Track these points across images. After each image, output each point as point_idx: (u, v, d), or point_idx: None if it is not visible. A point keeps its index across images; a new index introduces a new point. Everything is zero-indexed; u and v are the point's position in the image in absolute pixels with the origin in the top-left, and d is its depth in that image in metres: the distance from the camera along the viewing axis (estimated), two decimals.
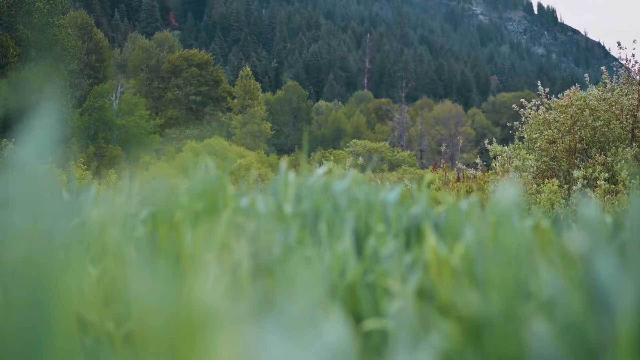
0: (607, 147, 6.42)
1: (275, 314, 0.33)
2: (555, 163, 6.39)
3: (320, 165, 1.42)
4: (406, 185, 1.29)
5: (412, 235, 1.03)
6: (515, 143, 7.00)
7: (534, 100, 7.07)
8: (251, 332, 0.27)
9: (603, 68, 6.99)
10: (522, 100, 7.22)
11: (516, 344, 0.45)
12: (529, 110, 6.95)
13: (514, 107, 7.17)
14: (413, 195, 1.30)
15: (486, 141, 6.91)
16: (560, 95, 6.93)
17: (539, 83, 7.21)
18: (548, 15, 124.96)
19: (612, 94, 6.57)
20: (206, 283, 0.27)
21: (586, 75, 7.24)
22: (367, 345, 0.68)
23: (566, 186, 5.51)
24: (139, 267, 0.30)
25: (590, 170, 5.47)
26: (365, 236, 1.00)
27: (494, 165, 6.41)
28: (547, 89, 7.03)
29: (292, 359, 0.27)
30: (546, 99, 7.02)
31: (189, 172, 1.18)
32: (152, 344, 0.27)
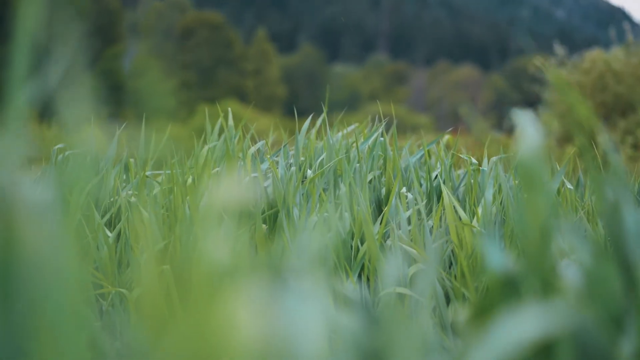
0: (631, 112, 6.27)
1: (288, 274, 0.32)
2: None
3: (338, 129, 1.39)
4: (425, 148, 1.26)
5: (434, 198, 1.01)
6: (539, 107, 6.88)
7: (554, 58, 6.88)
8: (263, 290, 0.26)
9: (626, 25, 6.75)
10: (542, 58, 7.02)
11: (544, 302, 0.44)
12: (552, 69, 6.76)
13: (533, 67, 7.00)
14: (435, 157, 1.27)
15: (510, 113, 6.77)
16: (581, 55, 6.74)
17: (556, 44, 6.99)
18: None
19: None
20: (220, 241, 0.26)
21: (612, 32, 6.98)
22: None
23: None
24: (150, 228, 0.29)
25: (613, 136, 5.36)
26: (387, 198, 0.97)
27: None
28: (565, 50, 6.84)
29: (304, 319, 0.25)
30: (566, 61, 6.83)
31: (207, 135, 1.16)
32: (157, 302, 0.26)
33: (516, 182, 0.92)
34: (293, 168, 1.00)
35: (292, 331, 0.24)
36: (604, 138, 0.51)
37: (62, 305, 0.23)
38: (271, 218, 0.92)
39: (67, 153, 1.20)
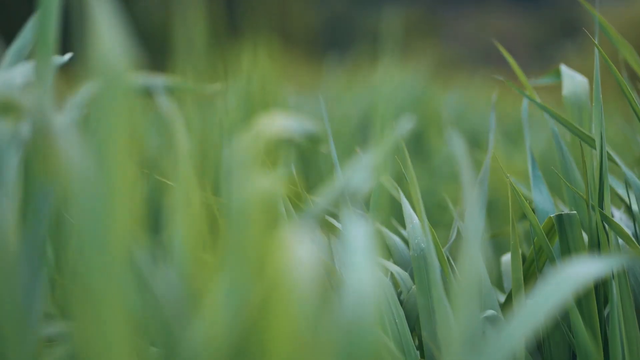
0: None
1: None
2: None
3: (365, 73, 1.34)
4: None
5: (478, 144, 0.97)
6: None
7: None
8: (314, 230, 0.24)
9: None
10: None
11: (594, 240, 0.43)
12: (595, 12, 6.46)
13: (576, 10, 6.68)
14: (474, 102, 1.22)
15: (554, 56, 6.52)
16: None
17: None
18: None
19: None
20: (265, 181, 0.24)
21: None
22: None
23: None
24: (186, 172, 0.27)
25: None
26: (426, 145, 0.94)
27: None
28: None
29: (357, 260, 0.24)
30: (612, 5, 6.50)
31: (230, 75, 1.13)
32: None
33: (562, 127, 0.88)
34: (325, 115, 0.97)
35: (346, 271, 0.22)
36: None
37: (107, 248, 0.22)
38: (308, 167, 0.90)
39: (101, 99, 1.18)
